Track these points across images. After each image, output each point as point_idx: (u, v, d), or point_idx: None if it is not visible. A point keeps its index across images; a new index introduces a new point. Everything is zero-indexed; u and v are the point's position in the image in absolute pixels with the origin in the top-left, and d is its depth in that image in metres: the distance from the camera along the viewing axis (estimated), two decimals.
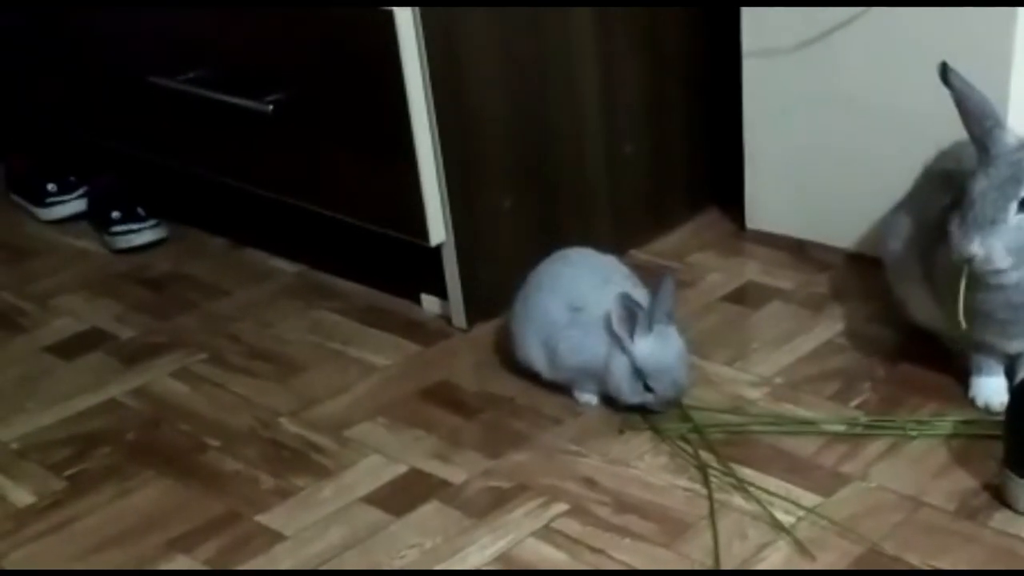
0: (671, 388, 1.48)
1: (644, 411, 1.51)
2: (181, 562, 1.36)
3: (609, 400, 1.53)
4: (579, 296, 1.52)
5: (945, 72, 1.37)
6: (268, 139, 1.81)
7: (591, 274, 1.55)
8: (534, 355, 1.56)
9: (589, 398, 1.55)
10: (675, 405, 1.50)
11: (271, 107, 1.73)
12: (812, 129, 1.82)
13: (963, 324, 1.36)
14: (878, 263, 1.63)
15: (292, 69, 1.75)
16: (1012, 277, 1.36)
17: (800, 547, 1.29)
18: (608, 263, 1.58)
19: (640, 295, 1.50)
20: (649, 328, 1.46)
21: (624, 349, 1.47)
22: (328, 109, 1.72)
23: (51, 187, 2.23)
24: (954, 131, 1.40)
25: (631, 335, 1.46)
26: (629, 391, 1.49)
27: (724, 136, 1.94)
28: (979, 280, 1.37)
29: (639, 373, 1.47)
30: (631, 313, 1.46)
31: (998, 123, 1.36)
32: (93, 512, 1.45)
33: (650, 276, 1.60)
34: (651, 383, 1.47)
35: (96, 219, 2.15)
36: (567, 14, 1.74)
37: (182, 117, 1.92)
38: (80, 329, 1.87)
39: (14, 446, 1.59)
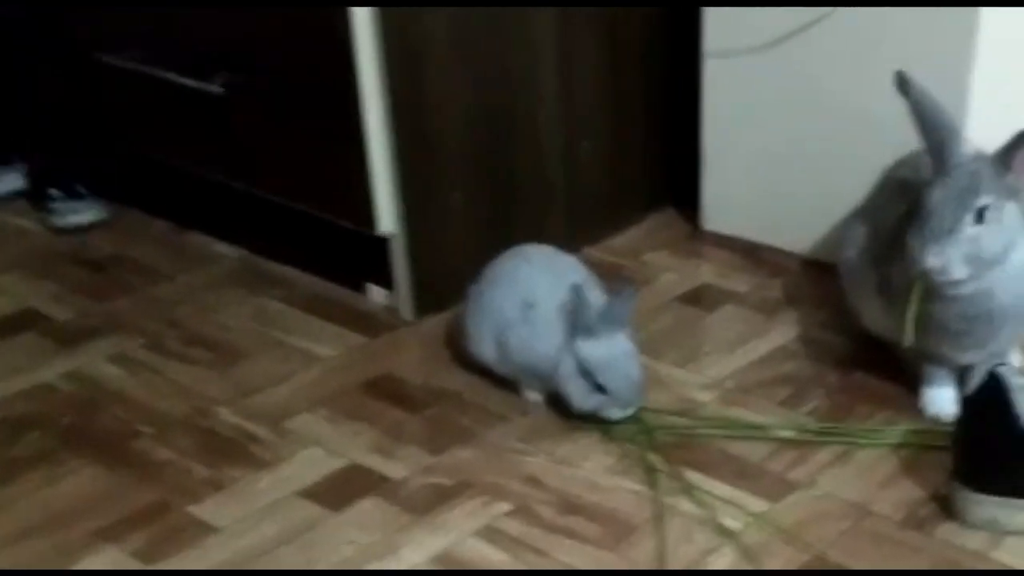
0: (624, 385, 1.43)
1: (600, 421, 1.46)
2: (108, 552, 1.31)
3: (557, 401, 1.50)
4: (532, 293, 1.49)
5: (902, 81, 1.35)
6: (217, 122, 1.77)
7: (547, 271, 1.51)
8: (486, 349, 1.53)
9: (536, 396, 1.52)
10: (632, 407, 1.44)
11: (222, 88, 1.69)
12: (771, 132, 1.80)
13: (910, 338, 1.35)
14: (833, 269, 1.61)
15: (243, 50, 1.70)
16: (968, 288, 1.34)
17: (746, 553, 1.27)
18: (567, 262, 1.54)
19: (596, 297, 1.46)
20: (596, 329, 1.43)
21: (570, 347, 1.43)
22: (279, 92, 1.68)
23: None
24: (914, 137, 1.38)
25: (576, 331, 1.43)
26: (578, 393, 1.44)
27: (682, 136, 1.92)
28: (934, 291, 1.35)
29: (584, 371, 1.43)
30: (581, 309, 1.42)
31: (954, 134, 1.34)
32: (20, 499, 1.41)
33: (604, 274, 1.58)
34: (601, 380, 1.42)
35: (34, 197, 2.09)
36: (528, 9, 1.71)
37: (129, 96, 1.87)
38: (14, 309, 1.81)
39: None
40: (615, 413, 1.44)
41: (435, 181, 1.68)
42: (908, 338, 1.36)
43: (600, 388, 1.43)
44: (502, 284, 1.52)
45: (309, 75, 1.63)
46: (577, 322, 1.43)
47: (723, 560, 1.27)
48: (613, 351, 1.43)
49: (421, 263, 1.70)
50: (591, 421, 1.46)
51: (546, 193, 1.83)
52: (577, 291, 1.43)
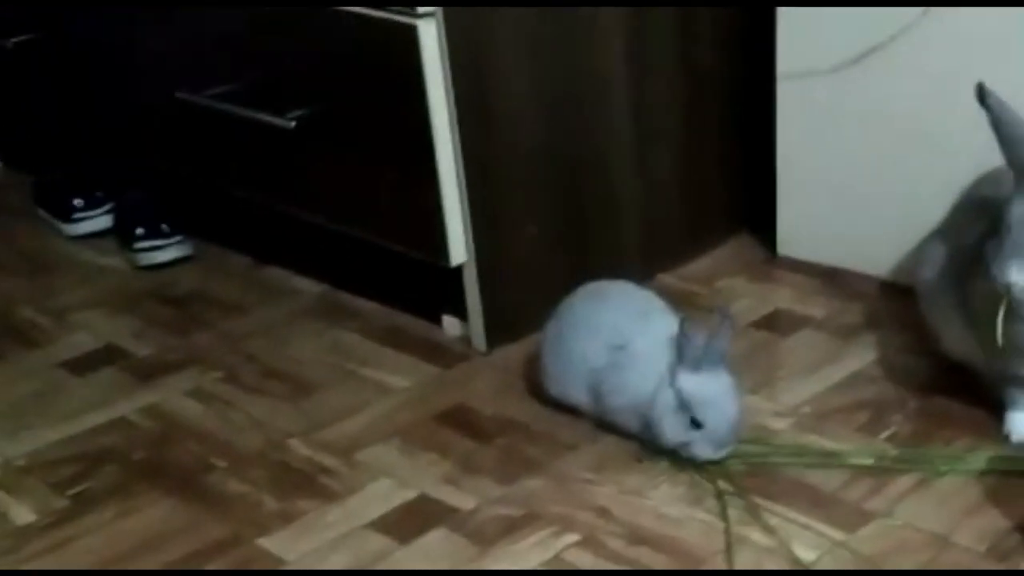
0: (722, 423, 1.38)
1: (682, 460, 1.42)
2: None
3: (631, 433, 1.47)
4: (618, 334, 1.45)
5: (982, 93, 1.32)
6: (290, 155, 1.78)
7: (628, 309, 1.48)
8: (581, 399, 1.49)
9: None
10: (725, 448, 1.39)
11: (294, 123, 1.70)
12: (847, 154, 1.77)
13: (1000, 342, 1.30)
14: (912, 292, 1.57)
15: (315, 85, 1.72)
16: None
17: None
18: (645, 296, 1.52)
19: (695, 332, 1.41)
20: (700, 364, 1.39)
21: (671, 381, 1.40)
22: (350, 125, 1.69)
23: (78, 202, 2.21)
24: (995, 156, 1.34)
25: (680, 365, 1.39)
26: (672, 427, 1.40)
27: (757, 160, 1.89)
28: (1016, 310, 1.31)
29: (684, 405, 1.39)
30: (685, 341, 1.38)
31: None
32: (93, 532, 1.42)
33: (678, 302, 1.55)
34: (698, 416, 1.38)
35: (121, 235, 2.13)
36: (599, 34, 1.70)
37: (207, 133, 1.90)
38: (96, 346, 1.84)
39: (19, 463, 1.56)
40: (707, 452, 1.40)
41: (506, 210, 1.68)
42: (999, 339, 1.31)
43: (696, 424, 1.39)
44: (583, 330, 1.49)
45: (379, 108, 1.64)
46: (682, 356, 1.39)
47: None
48: (715, 388, 1.39)
49: (493, 293, 1.70)
50: (665, 454, 1.44)
51: (620, 219, 1.82)
52: (684, 325, 1.39)
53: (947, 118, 1.61)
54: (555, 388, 1.53)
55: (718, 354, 1.39)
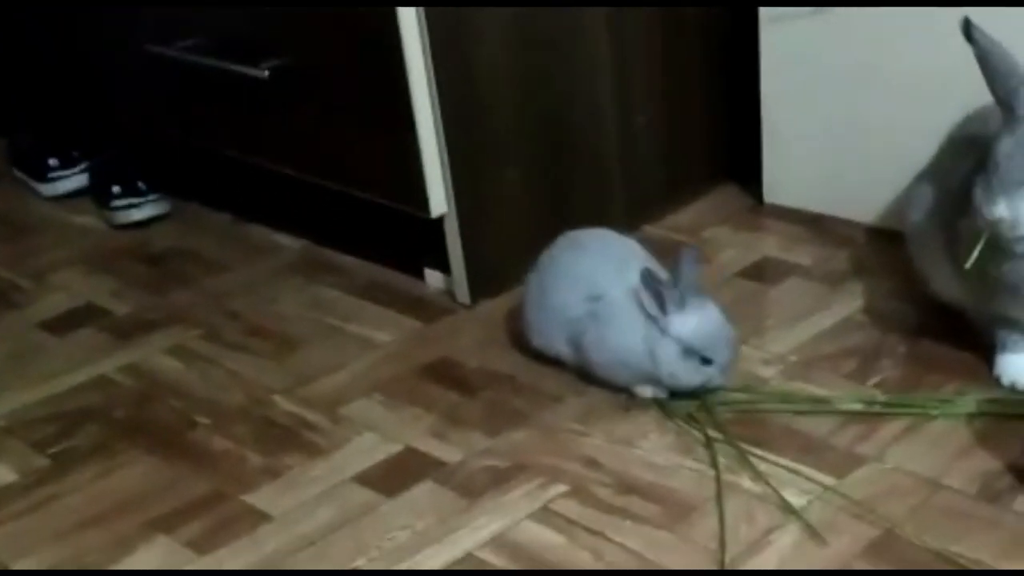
0: (728, 350, 1.39)
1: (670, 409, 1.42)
2: (161, 542, 1.30)
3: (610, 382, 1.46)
4: (594, 285, 1.44)
5: (968, 28, 1.29)
6: (265, 107, 1.75)
7: (607, 260, 1.46)
8: (559, 347, 1.48)
9: (653, 389, 1.43)
10: (730, 368, 1.41)
11: (267, 73, 1.67)
12: (832, 98, 1.75)
13: (968, 264, 1.30)
14: (900, 237, 1.55)
15: (289, 34, 1.68)
16: None
17: (811, 530, 1.22)
18: (626, 245, 1.49)
19: (661, 275, 1.41)
20: (683, 303, 1.38)
21: (664, 331, 1.38)
22: (326, 74, 1.66)
23: (53, 162, 2.18)
24: (981, 95, 1.32)
25: (664, 314, 1.38)
26: (686, 373, 1.39)
27: (742, 107, 1.87)
28: (1003, 249, 1.29)
29: (690, 351, 1.38)
30: (658, 291, 1.37)
31: None
32: (75, 491, 1.40)
33: (664, 252, 1.52)
34: (708, 354, 1.37)
35: (97, 194, 2.11)
36: None
37: (179, 86, 1.87)
38: (74, 305, 1.82)
39: (0, 423, 1.54)
40: (719, 381, 1.40)
41: (487, 158, 1.65)
42: (968, 263, 1.30)
43: (708, 361, 1.38)
44: (562, 280, 1.47)
45: (355, 56, 1.61)
46: (664, 302, 1.37)
47: (787, 538, 1.22)
48: (708, 319, 1.39)
49: (476, 245, 1.67)
50: (649, 401, 1.44)
51: (603, 169, 1.79)
52: (647, 275, 1.37)
53: (934, 60, 1.59)
54: (537, 339, 1.51)
55: (693, 283, 1.38)
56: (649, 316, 1.39)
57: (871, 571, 1.17)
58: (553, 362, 1.51)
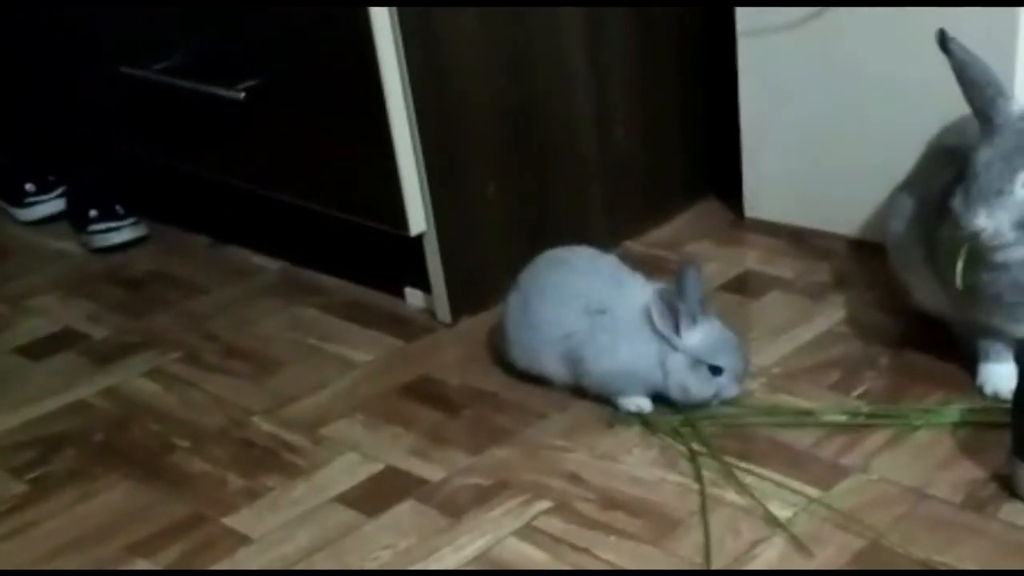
0: (736, 358, 1.40)
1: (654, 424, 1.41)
2: (141, 567, 1.29)
3: (596, 396, 1.45)
4: (597, 299, 1.43)
5: (943, 39, 1.30)
6: (242, 128, 1.75)
7: (601, 275, 1.46)
8: (548, 366, 1.47)
9: (639, 403, 1.44)
10: (743, 379, 1.42)
11: (243, 94, 1.67)
12: (811, 113, 1.75)
13: (959, 283, 1.29)
14: (881, 249, 1.55)
15: (264, 55, 1.68)
16: (1018, 253, 1.28)
17: (797, 542, 1.21)
18: (610, 260, 1.49)
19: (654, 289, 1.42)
20: (694, 320, 1.39)
21: (675, 347, 1.39)
22: (302, 94, 1.65)
23: (29, 187, 2.17)
24: (960, 106, 1.32)
25: (676, 331, 1.39)
26: (698, 385, 1.39)
27: (721, 122, 1.87)
28: (984, 259, 1.29)
29: (698, 361, 1.39)
30: (673, 308, 1.38)
31: (1001, 92, 1.28)
32: (54, 516, 1.39)
33: (646, 268, 1.52)
34: (717, 363, 1.39)
35: (74, 218, 2.09)
36: None
37: (155, 108, 1.86)
38: (52, 330, 1.80)
39: None
40: (734, 391, 1.41)
41: (466, 176, 1.64)
42: (958, 282, 1.30)
43: (717, 371, 1.39)
44: (551, 297, 1.46)
45: (330, 75, 1.60)
46: (680, 317, 1.38)
47: (773, 550, 1.21)
48: (715, 331, 1.40)
49: (456, 262, 1.66)
50: (634, 417, 1.43)
51: (583, 185, 1.79)
52: (664, 293, 1.39)
53: (911, 71, 1.59)
54: (523, 360, 1.50)
55: (698, 299, 1.39)
56: (658, 333, 1.39)
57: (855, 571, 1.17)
58: (536, 379, 1.50)
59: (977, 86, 1.28)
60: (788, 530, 1.23)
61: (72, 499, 1.41)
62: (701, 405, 1.42)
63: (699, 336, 1.39)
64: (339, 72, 1.58)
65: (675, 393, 1.41)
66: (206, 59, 1.74)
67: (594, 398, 1.46)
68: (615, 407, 1.44)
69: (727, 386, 1.41)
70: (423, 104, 1.56)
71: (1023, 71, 1.51)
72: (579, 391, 1.47)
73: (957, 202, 1.27)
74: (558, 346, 1.45)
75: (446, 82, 1.58)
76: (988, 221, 1.25)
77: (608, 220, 1.82)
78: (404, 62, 1.53)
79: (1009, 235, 1.26)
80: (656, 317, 1.39)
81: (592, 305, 1.43)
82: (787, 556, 1.20)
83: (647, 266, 1.58)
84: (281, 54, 1.65)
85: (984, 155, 1.27)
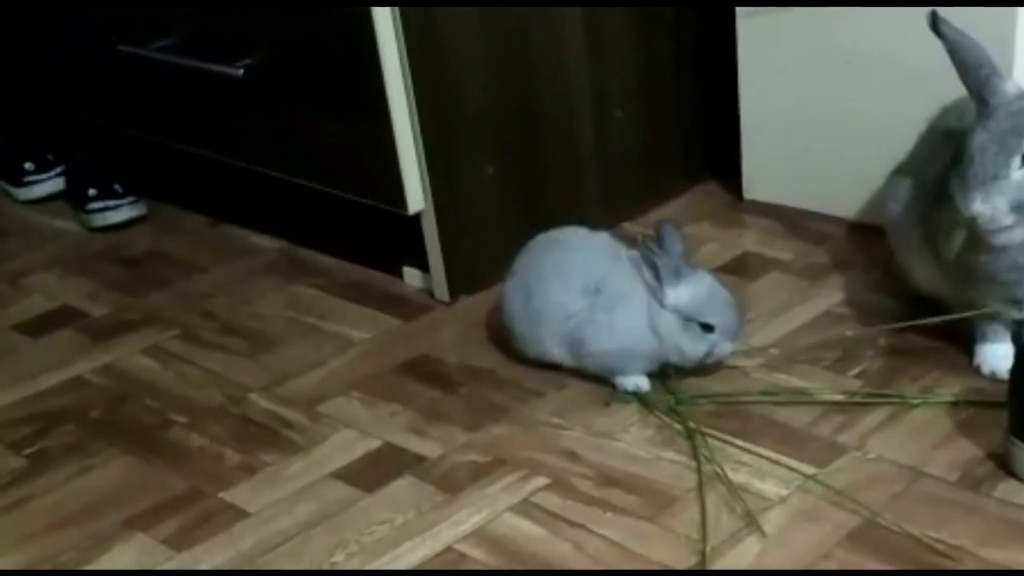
0: (727, 314, 1.39)
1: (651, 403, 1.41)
2: (138, 540, 1.29)
3: (594, 375, 1.46)
4: (593, 279, 1.43)
5: (935, 22, 1.29)
6: (241, 106, 1.74)
7: (596, 253, 1.46)
8: (553, 350, 1.46)
9: (637, 382, 1.44)
10: (739, 336, 1.41)
11: (242, 71, 1.66)
12: (810, 95, 1.74)
13: (951, 252, 1.30)
14: (880, 232, 1.55)
15: (263, 32, 1.68)
16: (1017, 236, 1.28)
17: (792, 519, 1.21)
18: (604, 239, 1.49)
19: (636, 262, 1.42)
20: (677, 275, 1.38)
21: (662, 304, 1.39)
22: (301, 72, 1.65)
23: (28, 166, 2.17)
24: (957, 88, 1.32)
25: (660, 284, 1.38)
26: (690, 344, 1.39)
27: (721, 104, 1.87)
28: (981, 241, 1.29)
29: (688, 319, 1.38)
30: (652, 261, 1.38)
31: (995, 71, 1.27)
32: (51, 491, 1.39)
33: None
34: (706, 319, 1.38)
35: (73, 197, 2.09)
36: None
37: (154, 86, 1.86)
38: (50, 307, 1.81)
39: None
40: (727, 348, 1.41)
41: (463, 155, 1.64)
42: (950, 251, 1.30)
43: (708, 327, 1.38)
44: (553, 281, 1.45)
45: (329, 53, 1.60)
46: (659, 272, 1.38)
47: (767, 527, 1.21)
48: (703, 287, 1.40)
49: (454, 241, 1.67)
50: (631, 395, 1.43)
51: (580, 165, 1.79)
52: (645, 243, 1.38)
53: (910, 54, 1.59)
54: (532, 349, 1.48)
55: (679, 253, 1.39)
56: (650, 289, 1.39)
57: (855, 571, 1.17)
58: (536, 360, 1.50)
59: (970, 67, 1.28)
60: (783, 507, 1.23)
61: (70, 474, 1.41)
62: (703, 367, 1.41)
63: (687, 294, 1.39)
64: (338, 50, 1.58)
65: (673, 356, 1.41)
66: (204, 37, 1.74)
67: (591, 377, 1.46)
68: (613, 386, 1.44)
69: (719, 343, 1.40)
70: (421, 83, 1.56)
71: (1022, 53, 1.51)
72: (576, 370, 1.47)
73: (953, 186, 1.27)
74: (560, 329, 1.45)
75: (445, 61, 1.58)
76: (985, 206, 1.25)
77: (606, 201, 1.82)
78: (403, 40, 1.53)
79: (1006, 218, 1.26)
80: (645, 273, 1.39)
81: (590, 284, 1.43)
82: (782, 532, 1.20)
83: None
84: (280, 32, 1.65)
85: (979, 138, 1.26)
